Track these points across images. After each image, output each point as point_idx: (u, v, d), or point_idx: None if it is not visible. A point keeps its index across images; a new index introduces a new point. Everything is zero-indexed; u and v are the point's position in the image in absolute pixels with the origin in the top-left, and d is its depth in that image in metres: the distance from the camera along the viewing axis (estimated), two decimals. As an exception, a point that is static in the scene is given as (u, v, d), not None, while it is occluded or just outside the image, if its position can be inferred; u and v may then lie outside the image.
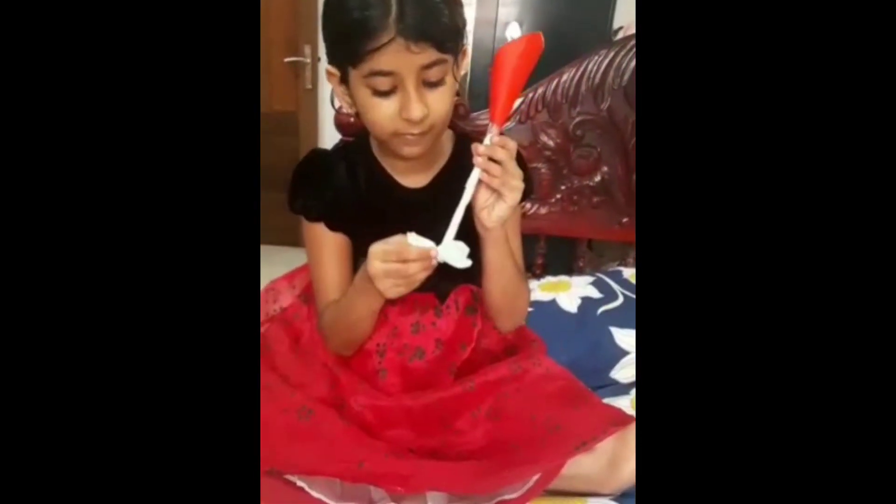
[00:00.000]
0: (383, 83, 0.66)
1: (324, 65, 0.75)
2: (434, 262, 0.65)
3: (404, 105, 0.67)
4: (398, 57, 0.64)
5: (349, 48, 0.66)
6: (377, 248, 0.66)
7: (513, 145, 0.66)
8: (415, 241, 0.65)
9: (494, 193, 0.67)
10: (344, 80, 0.71)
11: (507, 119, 0.65)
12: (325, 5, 0.68)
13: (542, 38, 0.65)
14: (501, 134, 0.66)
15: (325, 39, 0.70)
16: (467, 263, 0.66)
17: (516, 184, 0.66)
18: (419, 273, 0.66)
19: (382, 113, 0.68)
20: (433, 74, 0.67)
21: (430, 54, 0.65)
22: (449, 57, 0.67)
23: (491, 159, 0.65)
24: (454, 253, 0.66)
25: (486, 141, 0.65)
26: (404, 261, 0.64)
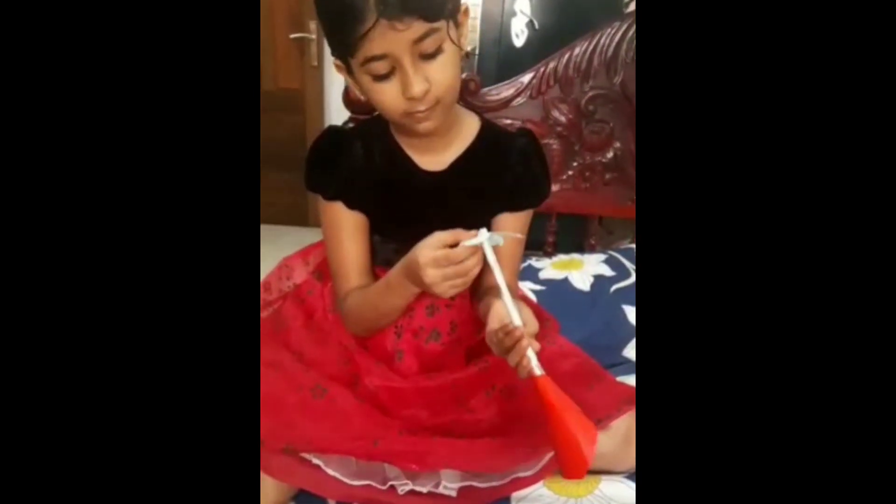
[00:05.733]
0: (380, 67, 0.66)
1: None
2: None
3: (404, 84, 0.66)
4: (386, 38, 0.63)
5: (340, 39, 0.65)
6: (427, 257, 0.65)
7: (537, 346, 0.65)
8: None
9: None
10: (349, 69, 0.70)
11: None
12: (315, 0, 0.68)
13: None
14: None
15: (324, 33, 0.70)
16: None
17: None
18: (475, 267, 0.65)
19: (386, 96, 0.68)
20: (428, 46, 0.65)
21: (419, 27, 0.63)
22: (440, 24, 0.65)
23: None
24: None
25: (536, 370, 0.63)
26: (459, 261, 0.64)
